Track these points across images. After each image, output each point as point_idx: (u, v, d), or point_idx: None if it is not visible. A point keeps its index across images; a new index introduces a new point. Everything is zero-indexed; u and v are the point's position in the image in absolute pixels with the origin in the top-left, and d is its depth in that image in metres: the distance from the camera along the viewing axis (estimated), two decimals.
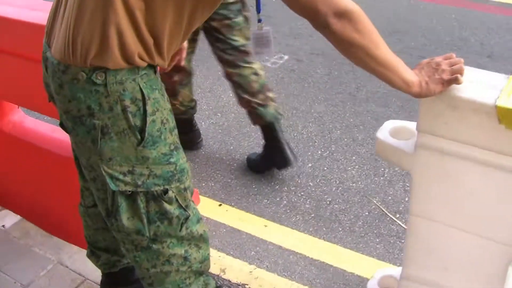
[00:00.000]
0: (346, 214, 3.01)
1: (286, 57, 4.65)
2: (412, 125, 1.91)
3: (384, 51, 1.63)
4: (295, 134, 3.68)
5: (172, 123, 1.80)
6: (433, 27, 5.09)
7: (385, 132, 1.96)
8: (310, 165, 3.40)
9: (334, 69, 4.18)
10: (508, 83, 1.69)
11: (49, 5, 1.84)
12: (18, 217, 2.97)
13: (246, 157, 3.47)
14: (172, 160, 1.79)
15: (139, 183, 1.76)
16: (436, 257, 2.02)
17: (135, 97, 1.65)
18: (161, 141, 1.74)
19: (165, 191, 1.80)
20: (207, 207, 3.11)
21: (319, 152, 3.49)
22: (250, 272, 2.70)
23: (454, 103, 1.69)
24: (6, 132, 2.96)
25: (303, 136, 3.66)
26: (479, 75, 1.75)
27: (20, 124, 3.02)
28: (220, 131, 3.79)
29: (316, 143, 3.58)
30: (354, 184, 3.22)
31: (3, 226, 2.92)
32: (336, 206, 3.07)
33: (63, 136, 2.49)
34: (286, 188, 3.22)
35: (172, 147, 1.79)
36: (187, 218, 1.89)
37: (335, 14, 1.54)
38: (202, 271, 2.07)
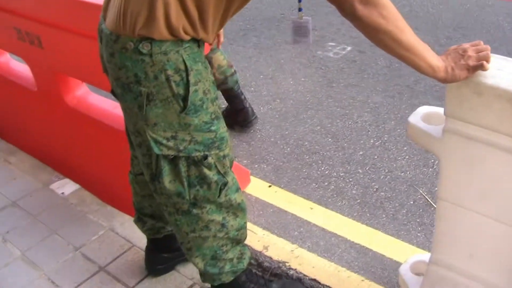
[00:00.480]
0: (391, 202, 3.04)
1: (349, 48, 4.69)
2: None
3: (410, 36, 1.68)
4: (350, 122, 3.72)
5: (214, 94, 1.92)
6: (499, 24, 5.00)
7: (417, 117, 2.00)
8: (361, 153, 3.44)
9: (395, 61, 4.20)
10: None
11: None
12: (77, 185, 3.16)
13: (299, 142, 3.55)
14: (212, 128, 1.91)
15: (181, 148, 1.89)
16: (462, 243, 2.05)
17: (178, 68, 1.77)
18: (202, 110, 1.86)
19: (205, 157, 1.93)
20: (257, 188, 3.21)
21: (372, 141, 3.52)
22: (292, 251, 2.78)
23: (479, 89, 1.72)
24: (71, 106, 3.15)
25: (357, 125, 3.70)
26: (508, 63, 1.77)
27: (84, 100, 3.21)
28: (277, 116, 3.88)
29: (369, 133, 3.61)
30: (402, 174, 3.25)
31: (63, 193, 3.11)
32: (382, 193, 3.11)
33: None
34: (335, 174, 3.28)
35: (213, 116, 1.91)
36: (225, 184, 2.02)
37: (361, 1, 1.61)
38: (239, 240, 2.18)
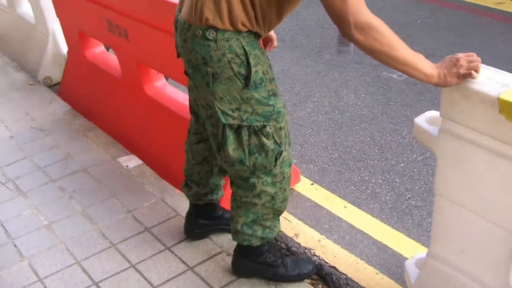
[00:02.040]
0: (419, 210, 3.26)
1: None
2: None
3: (403, 53, 1.99)
4: (398, 138, 3.95)
5: (271, 75, 2.27)
6: None
7: (422, 118, 2.25)
8: (402, 165, 3.66)
9: None
10: None
11: None
12: (140, 161, 3.56)
13: (347, 149, 3.82)
14: (270, 103, 2.25)
15: (244, 118, 2.25)
16: (455, 239, 2.24)
17: (238, 53, 2.15)
18: (262, 87, 2.21)
19: (264, 126, 2.27)
20: (301, 184, 3.49)
21: (414, 155, 3.74)
22: (319, 240, 3.05)
23: (467, 93, 1.96)
24: (149, 95, 3.55)
25: (405, 140, 3.92)
26: (498, 74, 1.99)
27: (161, 90, 3.61)
28: (332, 125, 4.16)
29: (414, 148, 3.83)
30: None
31: (127, 166, 3.52)
32: (413, 202, 3.33)
33: None
34: (374, 180, 3.53)
35: (271, 93, 2.25)
36: (280, 154, 2.34)
37: (356, 27, 1.94)
38: (280, 211, 2.52)
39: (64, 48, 4.80)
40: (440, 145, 2.14)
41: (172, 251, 2.83)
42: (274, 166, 2.35)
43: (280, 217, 2.59)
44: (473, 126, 1.99)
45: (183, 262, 2.76)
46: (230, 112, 2.25)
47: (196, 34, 2.16)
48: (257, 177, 2.37)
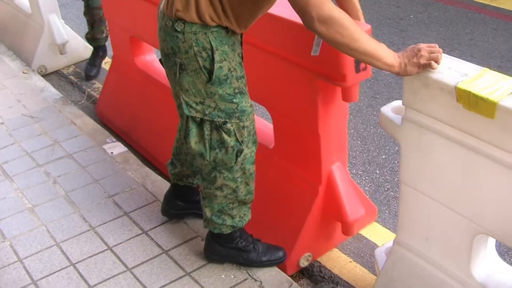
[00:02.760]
0: (397, 201, 3.28)
1: None
2: None
3: (364, 44, 2.01)
4: (381, 130, 3.97)
5: (240, 72, 2.29)
6: None
7: (388, 107, 2.30)
8: (383, 157, 3.71)
9: None
10: (479, 73, 1.97)
11: None
12: (125, 148, 3.62)
13: None
14: (235, 100, 2.28)
15: (207, 112, 2.30)
16: (420, 226, 2.30)
17: (205, 46, 2.19)
18: (226, 83, 2.25)
19: (225, 123, 2.31)
20: None
21: (396, 148, 3.78)
22: None
23: (427, 82, 2.01)
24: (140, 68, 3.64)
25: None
26: (459, 64, 2.04)
27: (150, 63, 3.65)
28: None
29: (396, 141, 3.86)
30: None
31: (112, 153, 3.59)
32: (392, 193, 3.37)
33: None
34: (354, 171, 3.57)
35: (237, 90, 2.28)
36: (241, 151, 2.37)
37: (319, 20, 1.97)
38: (245, 202, 2.54)
39: (58, 37, 4.87)
40: (403, 133, 2.19)
41: (149, 235, 2.89)
42: (235, 163, 2.39)
43: None
44: (433, 114, 2.04)
45: (159, 245, 2.82)
46: (194, 105, 2.30)
47: (167, 24, 2.23)
48: (218, 172, 2.42)
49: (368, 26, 2.35)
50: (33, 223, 3.04)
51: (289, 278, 2.66)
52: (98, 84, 4.81)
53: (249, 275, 2.64)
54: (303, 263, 2.79)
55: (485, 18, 5.59)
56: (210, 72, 2.22)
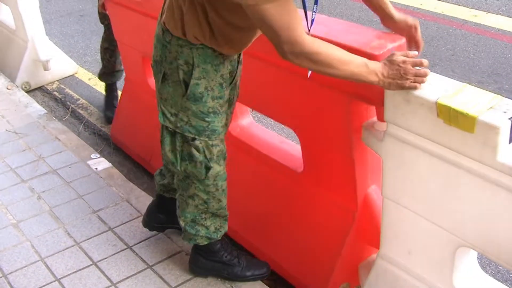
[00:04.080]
0: None
1: None
2: None
3: (342, 69, 1.97)
4: None
5: (218, 93, 2.27)
6: None
7: (370, 123, 2.33)
8: None
9: None
10: (459, 89, 2.00)
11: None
12: (109, 164, 3.63)
13: None
14: (207, 119, 2.30)
15: (178, 125, 2.33)
16: (402, 240, 2.32)
17: (187, 61, 2.22)
18: (201, 101, 2.26)
19: (194, 139, 2.33)
20: None
21: None
22: None
23: (408, 97, 2.04)
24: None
25: None
26: (439, 80, 2.07)
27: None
28: None
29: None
30: None
31: (96, 168, 3.59)
32: None
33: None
34: None
35: (211, 110, 2.29)
36: (209, 168, 2.39)
37: (291, 54, 1.96)
38: (218, 215, 2.55)
39: (42, 54, 4.88)
40: (385, 148, 2.22)
41: (133, 250, 2.90)
42: (205, 177, 2.41)
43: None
44: (414, 129, 2.07)
45: (143, 260, 2.83)
46: (168, 115, 2.34)
47: (159, 33, 2.28)
48: (190, 181, 2.45)
49: (403, 39, 2.25)
50: (17, 238, 3.04)
51: None
52: (82, 100, 4.81)
53: None
54: None
55: (466, 34, 5.67)
56: (187, 86, 2.24)
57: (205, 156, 2.38)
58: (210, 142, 2.36)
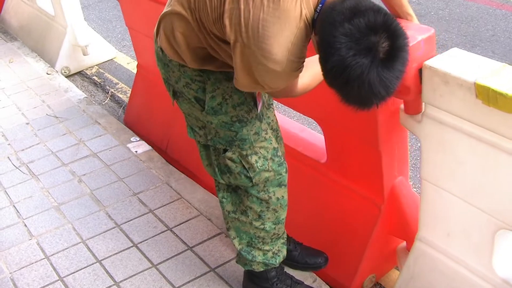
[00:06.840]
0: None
1: None
2: None
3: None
4: None
5: (238, 99, 2.09)
6: None
7: None
8: None
9: None
10: (498, 69, 1.97)
11: None
12: (149, 147, 3.67)
13: None
14: (233, 129, 2.12)
15: (209, 138, 2.19)
16: (442, 222, 2.30)
17: (194, 78, 2.06)
18: (221, 112, 2.09)
19: (226, 150, 2.18)
20: None
21: (419, 144, 3.79)
22: None
23: (446, 78, 2.01)
24: None
25: None
26: (477, 60, 2.04)
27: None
28: None
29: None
30: None
31: (136, 151, 3.64)
32: (414, 189, 3.36)
33: None
34: None
35: (235, 119, 2.11)
36: (250, 178, 2.19)
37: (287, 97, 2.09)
38: (276, 234, 2.33)
39: (81, 39, 4.94)
40: (423, 130, 2.20)
41: (174, 232, 2.95)
42: (252, 186, 2.22)
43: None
44: (452, 110, 2.04)
45: (183, 242, 2.87)
46: (197, 129, 2.20)
47: (158, 51, 2.13)
48: (244, 191, 2.26)
49: (432, 30, 2.22)
50: (59, 221, 3.11)
51: None
52: (121, 85, 4.88)
53: None
54: (367, 285, 2.62)
55: (507, 14, 5.56)
56: (203, 102, 2.09)
57: (243, 166, 2.19)
58: (244, 153, 2.17)
